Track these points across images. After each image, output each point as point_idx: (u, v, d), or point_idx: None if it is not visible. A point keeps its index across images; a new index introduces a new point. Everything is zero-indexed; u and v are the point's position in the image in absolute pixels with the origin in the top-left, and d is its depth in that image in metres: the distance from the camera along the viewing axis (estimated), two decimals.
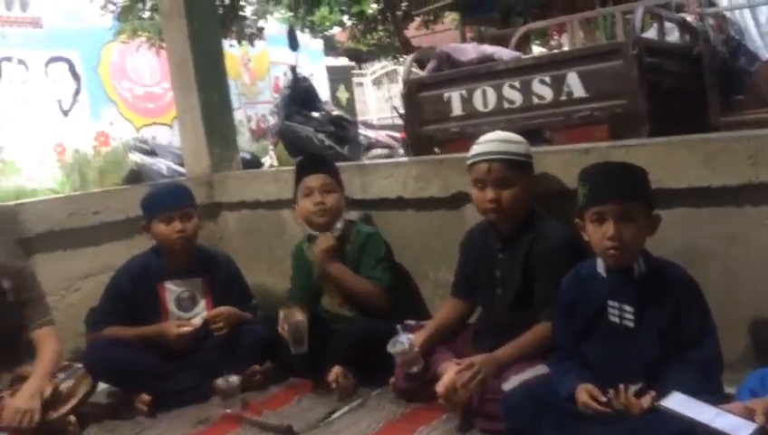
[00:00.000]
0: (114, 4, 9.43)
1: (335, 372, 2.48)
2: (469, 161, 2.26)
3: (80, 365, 2.56)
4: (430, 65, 4.78)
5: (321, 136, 6.23)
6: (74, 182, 10.84)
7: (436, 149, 4.50)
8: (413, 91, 4.67)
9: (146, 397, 2.56)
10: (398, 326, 2.28)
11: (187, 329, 2.67)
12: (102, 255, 3.17)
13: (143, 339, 2.65)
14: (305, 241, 2.87)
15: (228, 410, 2.45)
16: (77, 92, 11.18)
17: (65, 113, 11.05)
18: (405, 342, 2.22)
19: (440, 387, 2.08)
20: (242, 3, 9.72)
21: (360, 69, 16.47)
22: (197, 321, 2.74)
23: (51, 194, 10.40)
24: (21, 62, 10.55)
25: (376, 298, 2.66)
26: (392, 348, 2.24)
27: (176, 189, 2.91)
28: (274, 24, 11.98)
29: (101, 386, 2.63)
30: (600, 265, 1.93)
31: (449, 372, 2.09)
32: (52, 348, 2.53)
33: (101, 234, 3.21)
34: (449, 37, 11.63)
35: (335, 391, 2.47)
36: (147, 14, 9.30)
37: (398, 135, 7.63)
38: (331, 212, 2.72)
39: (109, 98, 11.55)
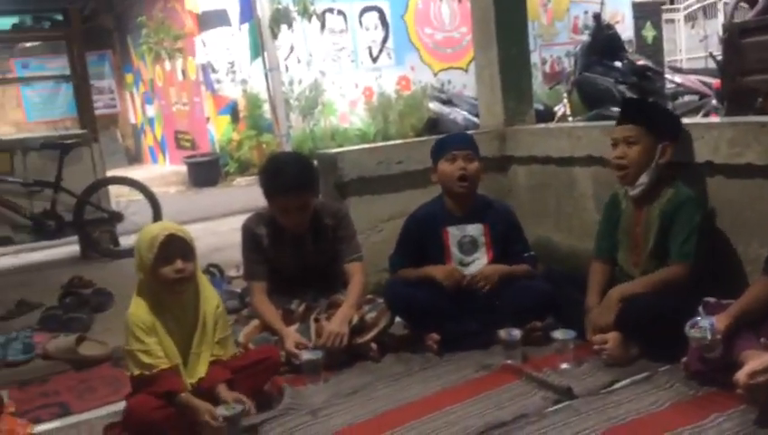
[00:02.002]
0: None
1: (612, 337, 2.42)
2: None
3: (381, 300, 2.88)
4: (761, 5, 4.16)
5: (621, 88, 5.85)
6: (378, 124, 11.87)
7: (759, 99, 3.95)
8: (735, 36, 4.13)
9: (435, 336, 2.77)
10: (700, 308, 2.11)
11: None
12: (402, 200, 3.45)
13: (424, 280, 2.85)
14: (621, 189, 2.73)
15: (509, 362, 2.55)
16: (385, 39, 12.08)
17: (374, 59, 12.04)
18: (706, 327, 2.06)
19: (741, 376, 1.91)
20: None
21: (672, 3, 14.91)
22: (473, 269, 2.86)
23: (358, 134, 11.55)
24: (340, 12, 11.70)
25: (679, 279, 2.48)
26: (691, 332, 2.09)
27: (461, 134, 3.21)
28: None
29: (398, 320, 2.92)
30: None
31: (753, 362, 1.90)
32: (360, 281, 2.89)
33: (402, 181, 3.49)
34: None
35: (607, 358, 2.42)
36: None
37: (711, 81, 6.82)
38: (632, 165, 2.57)
39: (412, 44, 12.26)
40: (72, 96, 6.56)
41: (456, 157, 2.87)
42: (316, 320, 2.81)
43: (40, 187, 5.30)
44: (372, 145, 4.36)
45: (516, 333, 2.57)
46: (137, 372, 2.23)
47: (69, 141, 5.43)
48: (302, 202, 2.81)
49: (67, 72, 6.27)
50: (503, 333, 2.58)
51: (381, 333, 2.80)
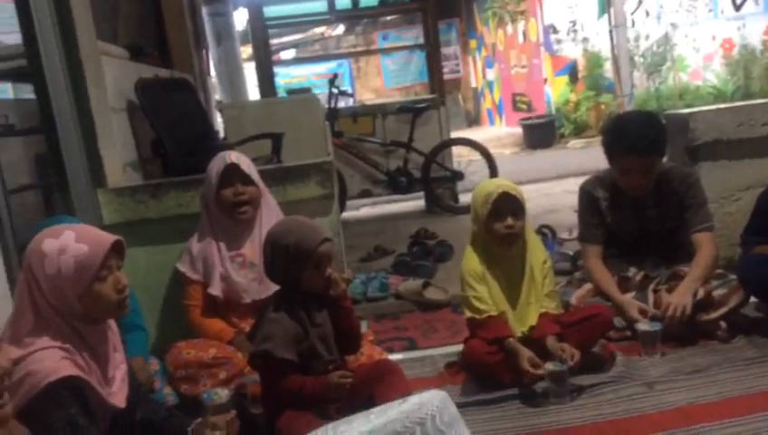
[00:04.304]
0: None
1: None
2: None
3: (733, 276, 2.60)
4: None
5: None
6: (738, 80, 10.47)
7: None
8: None
9: None
10: None
11: None
12: (765, 167, 3.04)
13: None
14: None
15: None
16: None
17: (737, 7, 10.59)
18: None
19: None
20: None
21: None
22: None
23: (712, 92, 10.35)
24: None
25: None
26: None
27: None
28: None
29: (752, 300, 2.61)
30: None
31: None
32: (709, 253, 2.65)
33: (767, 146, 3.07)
34: None
35: None
36: None
37: None
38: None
39: None
40: (422, 63, 7.16)
41: None
42: (655, 290, 2.67)
43: (395, 146, 5.93)
44: (731, 104, 3.89)
45: None
46: (469, 315, 2.42)
47: (421, 105, 5.95)
48: (645, 163, 2.67)
49: (420, 41, 6.83)
50: None
51: (732, 313, 2.54)
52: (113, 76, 3.30)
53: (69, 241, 1.65)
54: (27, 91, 3.32)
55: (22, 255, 2.67)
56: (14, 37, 2.94)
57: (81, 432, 1.55)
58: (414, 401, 0.79)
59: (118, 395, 1.75)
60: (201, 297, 2.66)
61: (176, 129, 3.61)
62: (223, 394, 2.18)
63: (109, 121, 3.03)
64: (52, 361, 1.58)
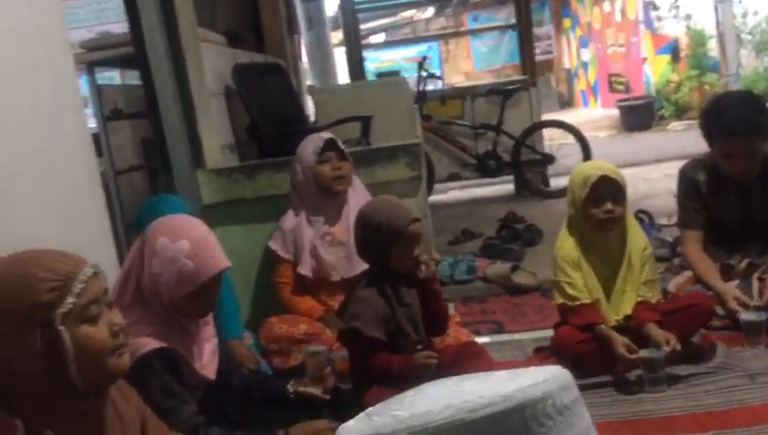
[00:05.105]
0: None
1: None
2: None
3: None
4: None
5: None
6: None
7: None
8: None
9: None
10: None
11: None
12: None
13: None
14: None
15: None
16: None
17: None
18: None
19: None
20: None
21: None
22: None
23: None
24: None
25: None
26: None
27: None
28: None
29: None
30: None
31: None
32: None
33: None
34: None
35: None
36: None
37: None
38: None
39: None
40: (513, 45, 7.00)
41: None
42: (760, 279, 2.52)
43: (484, 129, 5.86)
44: None
45: None
46: (560, 301, 2.37)
47: (511, 87, 5.84)
48: (746, 146, 2.52)
49: (512, 21, 6.69)
50: None
51: None
52: (212, 62, 3.44)
53: (180, 253, 1.69)
54: (134, 78, 3.51)
55: (129, 230, 2.85)
56: (121, 26, 3.11)
57: (178, 398, 1.65)
58: (536, 377, 0.76)
59: (208, 367, 1.82)
60: (291, 275, 2.74)
61: (269, 112, 3.72)
62: (321, 349, 2.25)
63: (208, 105, 3.16)
64: (144, 333, 1.68)
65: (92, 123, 3.09)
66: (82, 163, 1.95)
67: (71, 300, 1.09)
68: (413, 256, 2.10)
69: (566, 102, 15.64)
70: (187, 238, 1.71)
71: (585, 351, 2.26)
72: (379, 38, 14.74)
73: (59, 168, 1.81)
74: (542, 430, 0.75)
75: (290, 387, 1.95)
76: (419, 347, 2.12)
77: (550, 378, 0.82)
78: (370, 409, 0.84)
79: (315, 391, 1.96)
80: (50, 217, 1.73)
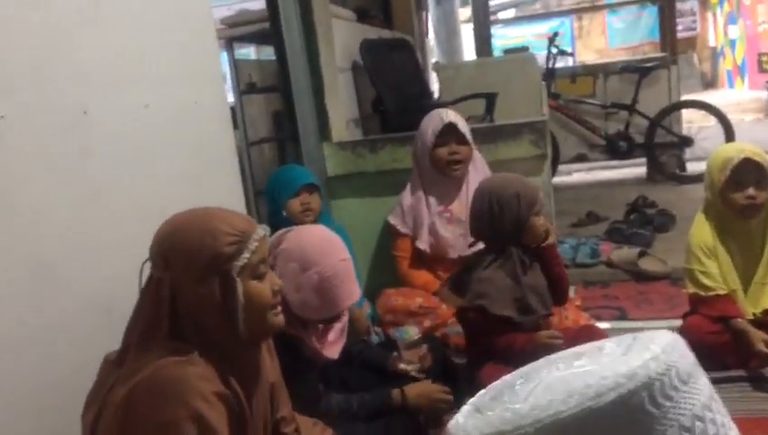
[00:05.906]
0: None
1: None
2: None
3: None
4: None
5: None
6: None
7: None
8: None
9: None
10: None
11: None
12: None
13: None
14: None
15: None
16: None
17: None
18: None
19: None
20: None
21: None
22: None
23: None
24: None
25: None
26: None
27: None
28: None
29: None
30: None
31: None
32: None
33: None
34: None
35: None
36: None
37: None
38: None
39: None
40: (653, 20, 6.60)
41: None
42: None
43: (616, 109, 5.58)
44: None
45: None
46: (692, 290, 2.23)
47: (648, 65, 5.52)
48: None
49: None
50: None
51: None
52: (341, 37, 3.51)
53: (308, 285, 1.62)
54: (267, 54, 3.66)
55: (259, 197, 3.00)
56: (259, 3, 3.24)
57: (302, 375, 1.66)
58: (653, 347, 0.72)
59: (333, 346, 1.74)
60: (409, 249, 2.78)
61: (394, 87, 3.75)
62: (412, 331, 2.28)
63: (335, 80, 3.24)
64: None
65: (230, 97, 3.26)
66: (222, 135, 2.08)
67: (246, 255, 1.18)
68: (544, 223, 2.11)
69: (709, 83, 14.57)
70: (317, 272, 1.61)
71: (717, 342, 2.12)
72: (509, 14, 14.38)
73: (201, 139, 1.94)
74: (670, 404, 0.72)
75: (389, 363, 2.01)
76: (542, 321, 2.11)
77: (666, 346, 0.77)
78: (476, 401, 0.83)
79: (411, 367, 1.99)
80: (192, 182, 1.86)
